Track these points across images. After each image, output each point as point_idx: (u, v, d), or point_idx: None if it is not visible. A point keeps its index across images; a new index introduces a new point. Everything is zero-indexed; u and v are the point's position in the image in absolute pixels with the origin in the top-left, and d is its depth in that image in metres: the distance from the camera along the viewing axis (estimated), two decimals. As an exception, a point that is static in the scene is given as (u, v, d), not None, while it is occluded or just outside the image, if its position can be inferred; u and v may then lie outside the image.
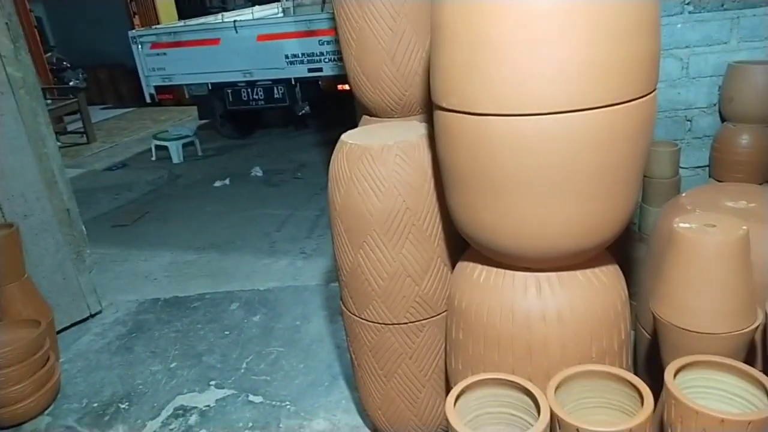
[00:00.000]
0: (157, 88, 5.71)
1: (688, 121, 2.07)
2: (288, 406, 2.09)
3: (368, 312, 1.54)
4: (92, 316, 2.84)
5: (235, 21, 5.41)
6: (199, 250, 3.57)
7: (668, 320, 1.19)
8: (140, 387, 2.30)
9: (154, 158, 5.82)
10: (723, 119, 2.01)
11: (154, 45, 5.54)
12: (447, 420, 1.09)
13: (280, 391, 2.18)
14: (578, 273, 1.24)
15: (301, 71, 5.28)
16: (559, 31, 0.96)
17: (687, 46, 1.96)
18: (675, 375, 1.08)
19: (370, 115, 1.70)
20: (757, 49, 1.95)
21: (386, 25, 1.48)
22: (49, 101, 6.04)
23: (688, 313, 1.16)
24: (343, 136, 1.51)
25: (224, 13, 6.94)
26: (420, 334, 1.54)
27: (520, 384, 1.14)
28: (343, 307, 1.65)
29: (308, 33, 5.12)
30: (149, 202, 4.64)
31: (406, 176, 1.40)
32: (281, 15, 6.82)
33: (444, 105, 1.13)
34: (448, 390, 1.49)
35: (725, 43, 1.95)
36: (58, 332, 2.63)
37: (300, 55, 5.23)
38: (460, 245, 1.43)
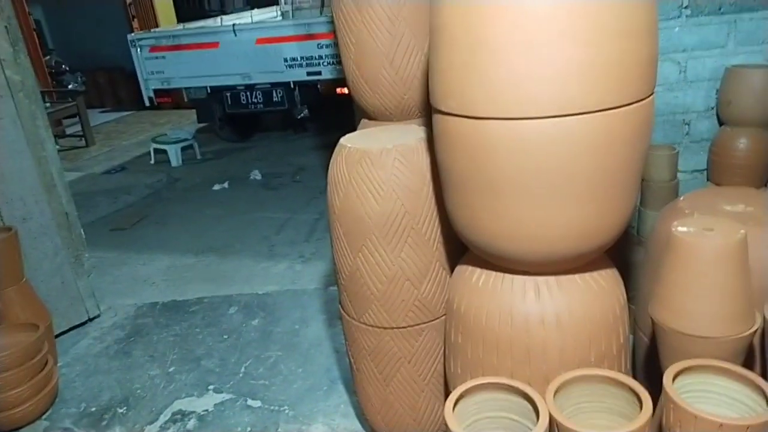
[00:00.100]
0: (156, 91, 5.71)
1: (686, 124, 2.07)
2: (286, 411, 2.09)
3: (367, 316, 1.54)
4: (90, 320, 2.83)
5: (234, 24, 5.42)
6: (197, 254, 3.57)
7: (667, 324, 1.19)
8: (138, 391, 2.29)
9: (152, 162, 5.82)
10: (721, 123, 2.01)
11: (153, 48, 5.54)
12: (446, 424, 1.09)
13: (279, 395, 2.18)
14: (577, 277, 1.24)
15: (300, 75, 5.29)
16: (558, 35, 0.97)
17: (685, 50, 1.97)
18: (673, 379, 1.08)
19: (369, 119, 1.71)
20: (755, 53, 1.95)
21: (385, 29, 1.48)
22: (47, 104, 6.03)
23: (687, 316, 1.16)
24: (342, 140, 1.51)
25: (223, 17, 6.95)
26: (419, 338, 1.54)
27: (518, 388, 1.14)
28: (342, 311, 1.65)
29: (307, 36, 5.12)
30: (148, 205, 4.64)
31: (405, 180, 1.40)
32: (280, 18, 6.83)
33: (443, 108, 1.13)
34: (447, 394, 1.49)
35: (723, 46, 1.96)
36: (57, 336, 2.62)
37: (299, 59, 5.24)
38: (459, 249, 1.43)
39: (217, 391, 2.25)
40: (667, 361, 1.19)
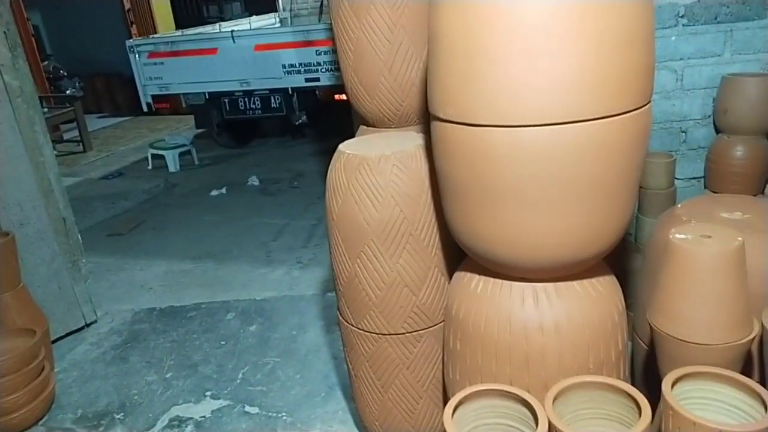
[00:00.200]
0: (154, 97, 5.73)
1: (683, 132, 2.08)
2: (284, 417, 2.08)
3: (365, 322, 1.54)
4: (87, 325, 2.82)
5: (232, 31, 5.44)
6: (195, 260, 3.56)
7: (665, 331, 1.19)
8: (135, 397, 2.28)
9: (150, 167, 5.81)
10: (717, 131, 2.02)
11: (152, 54, 5.56)
12: (445, 431, 1.09)
13: (277, 401, 2.17)
14: (575, 283, 1.24)
15: (298, 81, 5.31)
16: (556, 43, 0.97)
17: (681, 59, 1.98)
18: (672, 386, 1.08)
19: (368, 125, 1.71)
20: (751, 62, 1.97)
21: (383, 36, 1.49)
22: (45, 110, 6.03)
23: (685, 323, 1.16)
24: (341, 146, 1.51)
25: (222, 23, 6.97)
26: (417, 345, 1.54)
27: (517, 395, 1.14)
28: (340, 317, 1.65)
29: (305, 43, 5.15)
30: (145, 211, 4.63)
31: (403, 186, 1.41)
32: (278, 25, 6.87)
33: (441, 115, 1.14)
34: (445, 401, 1.49)
35: (719, 55, 1.97)
36: (53, 342, 2.61)
37: (297, 65, 5.26)
38: (458, 255, 1.44)
39: (214, 397, 2.24)
40: (666, 368, 1.19)
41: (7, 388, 2.04)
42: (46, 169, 2.61)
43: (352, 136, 1.69)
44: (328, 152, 1.53)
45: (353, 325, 1.59)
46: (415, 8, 1.47)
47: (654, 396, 1.12)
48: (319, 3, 6.22)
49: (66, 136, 7.11)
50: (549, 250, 1.14)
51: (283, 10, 7.01)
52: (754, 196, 1.89)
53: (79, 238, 2.87)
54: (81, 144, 6.80)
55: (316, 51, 5.15)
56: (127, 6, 8.80)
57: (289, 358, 2.44)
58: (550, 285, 1.23)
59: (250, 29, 6.19)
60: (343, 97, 4.98)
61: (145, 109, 5.84)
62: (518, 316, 1.22)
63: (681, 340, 1.17)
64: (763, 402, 1.05)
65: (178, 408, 2.20)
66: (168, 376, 2.40)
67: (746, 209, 1.49)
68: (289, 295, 2.99)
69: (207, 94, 5.60)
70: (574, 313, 1.21)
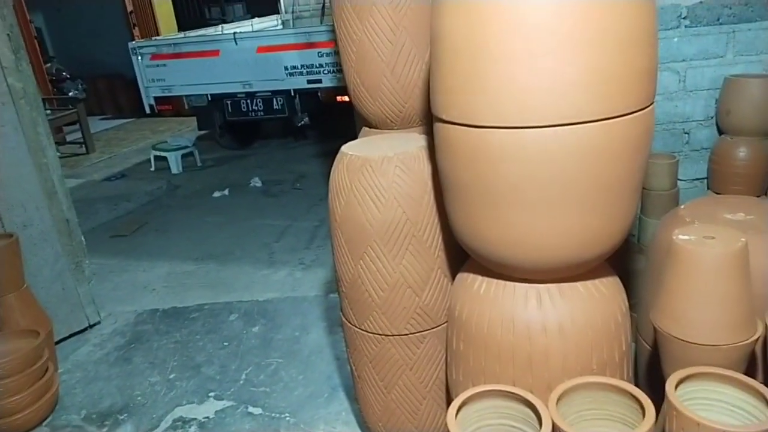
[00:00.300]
0: (156, 98, 5.73)
1: (685, 133, 2.08)
2: (287, 418, 2.09)
3: (368, 323, 1.54)
4: (91, 326, 2.83)
5: (234, 33, 5.44)
6: (197, 261, 3.57)
7: (669, 332, 1.19)
8: (139, 398, 2.29)
9: (153, 169, 5.82)
10: (720, 132, 2.02)
11: (154, 56, 5.57)
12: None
13: (280, 402, 2.18)
14: (578, 284, 1.24)
15: (300, 83, 5.31)
16: (559, 44, 0.98)
17: (684, 60, 1.98)
18: (676, 387, 1.08)
19: (370, 127, 1.72)
20: (753, 63, 1.97)
21: (386, 38, 1.49)
22: (48, 112, 6.05)
23: (689, 324, 1.16)
24: (344, 148, 1.52)
25: (224, 25, 6.98)
26: (420, 346, 1.54)
27: (521, 396, 1.14)
28: (343, 318, 1.65)
29: (307, 45, 5.15)
30: (148, 212, 4.64)
31: (406, 187, 1.41)
32: (280, 27, 6.87)
33: (444, 117, 1.14)
34: (448, 401, 1.49)
35: (721, 56, 1.97)
36: (57, 343, 2.62)
37: (299, 67, 5.26)
38: (461, 256, 1.44)
39: (217, 398, 2.24)
40: (670, 369, 1.19)
41: (11, 388, 2.05)
42: (49, 171, 2.62)
43: (354, 137, 1.70)
44: (330, 154, 1.54)
45: (356, 326, 1.59)
46: (417, 10, 1.48)
47: (657, 397, 1.12)
48: (321, 5, 6.23)
49: (69, 138, 7.13)
50: (552, 251, 1.14)
51: (285, 12, 7.01)
52: (757, 197, 1.88)
53: (83, 239, 2.88)
54: (84, 146, 6.81)
55: (318, 53, 5.16)
56: (130, 8, 8.82)
57: (292, 359, 2.44)
58: (553, 286, 1.23)
59: (253, 31, 6.20)
60: (345, 98, 4.99)
61: (147, 110, 5.85)
62: (521, 317, 1.23)
63: (684, 341, 1.17)
64: (766, 402, 1.05)
65: (181, 409, 2.20)
66: (171, 376, 2.41)
67: (749, 210, 1.49)
68: (291, 296, 2.99)
69: (209, 96, 5.61)
70: (577, 314, 1.21)
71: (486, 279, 1.31)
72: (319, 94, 5.35)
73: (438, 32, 1.11)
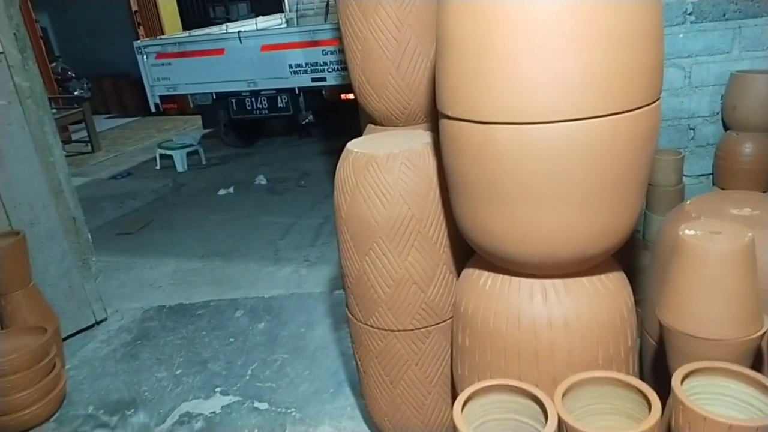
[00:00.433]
0: (161, 97, 5.76)
1: (691, 129, 2.08)
2: (293, 413, 2.10)
3: (374, 319, 1.55)
4: (98, 323, 2.85)
5: (239, 31, 5.46)
6: (203, 258, 3.58)
7: (675, 327, 1.20)
8: (146, 393, 2.30)
9: (158, 167, 5.85)
10: (726, 128, 2.02)
11: (160, 55, 5.59)
12: (454, 426, 1.09)
13: (286, 398, 2.19)
14: (584, 279, 1.24)
15: (304, 81, 5.32)
16: (565, 40, 0.98)
17: (689, 56, 1.98)
18: (682, 381, 1.09)
19: (375, 124, 1.72)
20: (759, 59, 1.96)
21: (391, 36, 1.49)
22: (54, 111, 6.08)
23: (695, 319, 1.16)
24: (349, 145, 1.52)
25: (228, 24, 7.00)
26: (426, 341, 1.55)
27: (527, 390, 1.15)
28: (349, 314, 1.66)
29: (312, 43, 5.16)
30: (154, 210, 4.66)
31: (411, 184, 1.41)
32: (285, 25, 6.88)
33: (450, 113, 1.14)
34: (454, 396, 1.50)
35: (727, 52, 1.97)
36: (64, 339, 2.64)
37: (303, 65, 5.27)
38: (466, 252, 1.44)
39: (224, 393, 2.26)
40: (676, 364, 1.20)
41: (19, 384, 2.06)
42: (56, 169, 2.63)
43: (359, 135, 1.70)
44: (335, 151, 1.54)
45: (362, 322, 1.60)
46: (422, 7, 1.48)
47: (662, 392, 1.12)
48: (325, 3, 6.23)
49: (74, 137, 7.16)
50: (557, 247, 1.15)
51: (289, 10, 7.02)
52: (763, 192, 1.88)
53: (89, 237, 2.89)
54: (89, 144, 6.84)
55: (323, 51, 5.16)
56: (135, 7, 8.84)
57: (297, 355, 2.45)
58: (558, 281, 1.24)
59: (257, 30, 6.22)
60: (350, 96, 5.00)
61: (153, 109, 5.87)
62: (527, 312, 1.23)
63: (691, 336, 1.17)
64: (772, 397, 1.05)
65: (188, 404, 2.22)
66: (178, 372, 2.42)
67: (755, 205, 1.49)
68: (297, 292, 3.00)
69: (214, 95, 5.63)
70: (583, 309, 1.22)
71: (491, 274, 1.31)
72: (323, 92, 5.36)
73: (444, 29, 1.11)
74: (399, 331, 1.53)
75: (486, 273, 1.32)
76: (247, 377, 2.34)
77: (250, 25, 6.86)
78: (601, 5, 0.97)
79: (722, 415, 0.99)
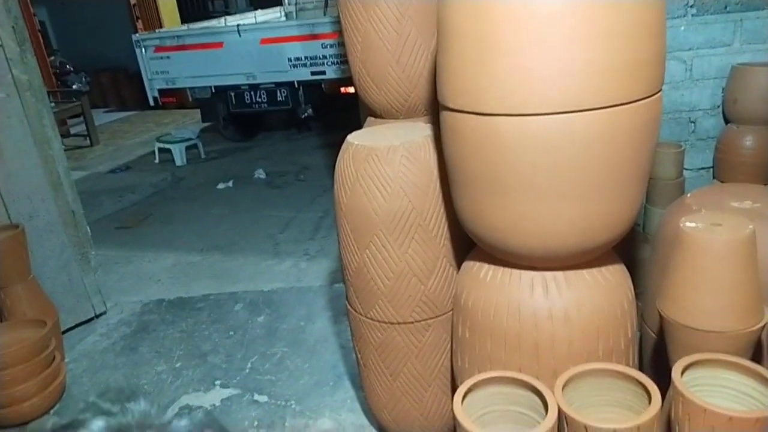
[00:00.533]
0: (160, 91, 5.73)
1: (692, 122, 2.08)
2: (293, 406, 2.10)
3: (374, 311, 1.55)
4: (97, 316, 2.85)
5: (238, 25, 5.43)
6: (202, 252, 3.58)
7: (675, 319, 1.20)
8: (146, 386, 2.31)
9: (157, 161, 5.84)
10: (727, 121, 2.02)
11: (158, 48, 5.56)
12: (455, 418, 1.10)
13: (286, 390, 2.19)
14: (585, 272, 1.25)
15: (304, 74, 5.30)
16: (567, 32, 0.97)
17: (690, 49, 1.97)
18: (682, 373, 1.09)
19: (375, 117, 1.71)
20: (761, 51, 1.96)
21: (391, 28, 1.49)
22: (52, 104, 6.04)
23: (695, 312, 1.17)
24: (349, 137, 1.52)
25: (227, 17, 6.96)
26: (426, 333, 1.55)
27: (527, 382, 1.15)
28: (349, 307, 1.66)
29: (311, 36, 5.14)
30: (153, 204, 4.65)
31: (412, 177, 1.41)
32: (284, 19, 6.85)
33: (451, 105, 1.14)
34: (454, 389, 1.50)
35: (728, 45, 1.96)
36: (63, 332, 2.63)
37: (303, 59, 5.25)
38: (466, 245, 1.44)
39: (223, 386, 2.26)
40: (676, 356, 1.20)
41: (18, 377, 2.06)
42: (54, 163, 2.63)
43: (358, 129, 1.70)
44: (334, 145, 1.54)
45: (362, 315, 1.60)
46: (423, -1, 1.47)
47: (662, 385, 1.12)
48: (325, -4, 6.21)
49: (73, 131, 7.15)
50: (558, 239, 1.15)
51: (288, 3, 6.99)
52: (764, 185, 1.88)
53: (88, 230, 2.89)
54: (88, 138, 6.83)
55: (322, 44, 5.14)
56: (133, 1, 8.81)
57: (297, 348, 2.45)
58: (559, 273, 1.24)
59: (256, 23, 6.19)
60: (349, 90, 4.99)
61: (151, 103, 5.85)
62: (528, 304, 1.23)
63: (691, 328, 1.17)
64: (772, 389, 1.05)
65: (188, 397, 2.22)
66: (178, 365, 2.42)
67: (756, 198, 1.49)
68: (296, 286, 3.00)
69: (213, 88, 5.61)
70: (583, 301, 1.22)
71: (492, 267, 1.31)
72: (322, 85, 5.34)
73: (445, 21, 1.11)
74: (399, 323, 1.54)
75: (486, 265, 1.32)
76: (247, 370, 2.34)
77: (249, 18, 6.82)
78: (602, -4, 0.97)
79: (722, 407, 1.00)
